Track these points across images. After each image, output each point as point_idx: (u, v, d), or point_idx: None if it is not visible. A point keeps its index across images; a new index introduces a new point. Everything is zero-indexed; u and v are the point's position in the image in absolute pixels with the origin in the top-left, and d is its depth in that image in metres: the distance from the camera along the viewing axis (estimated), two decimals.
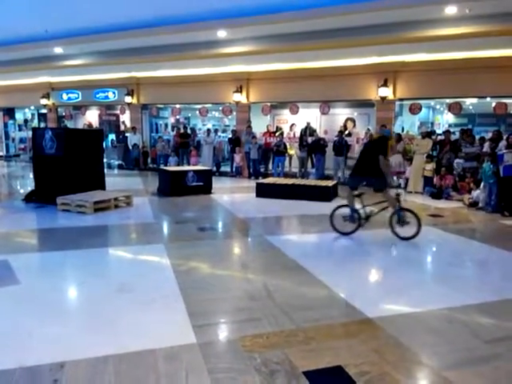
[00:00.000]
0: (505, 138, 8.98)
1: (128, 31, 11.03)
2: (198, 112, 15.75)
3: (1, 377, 2.52)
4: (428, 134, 11.19)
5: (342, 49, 10.34)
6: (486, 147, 9.44)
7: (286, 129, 14.35)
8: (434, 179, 10.29)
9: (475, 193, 8.83)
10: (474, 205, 8.65)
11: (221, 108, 15.27)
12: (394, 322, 3.33)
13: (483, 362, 2.80)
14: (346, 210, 6.27)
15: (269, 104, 13.90)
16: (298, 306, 3.61)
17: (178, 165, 14.11)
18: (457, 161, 10.03)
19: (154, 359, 2.72)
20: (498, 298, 3.88)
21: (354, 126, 13.74)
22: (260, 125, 14.21)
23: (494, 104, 11.16)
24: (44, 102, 17.70)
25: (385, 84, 11.60)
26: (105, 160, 11.37)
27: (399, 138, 11.47)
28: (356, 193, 6.25)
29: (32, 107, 19.95)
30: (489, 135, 10.24)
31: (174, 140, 15.29)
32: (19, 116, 20.85)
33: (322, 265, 4.81)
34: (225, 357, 2.83)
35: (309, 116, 13.85)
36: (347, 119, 13.89)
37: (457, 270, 4.87)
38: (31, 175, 8.94)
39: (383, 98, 11.76)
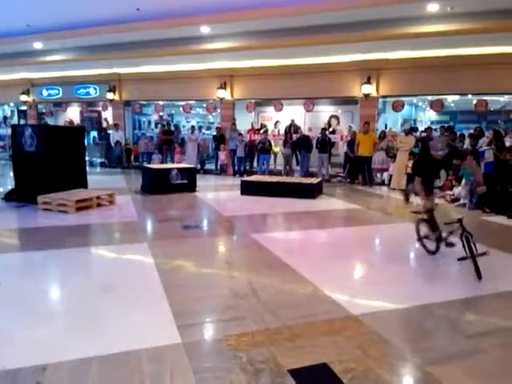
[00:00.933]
0: (486, 135, 9.15)
1: (110, 26, 10.84)
2: (181, 109, 15.63)
3: None
4: (411, 130, 11.33)
5: (326, 45, 10.35)
6: (467, 144, 9.60)
7: (270, 126, 14.35)
8: None
9: (457, 190, 8.98)
10: (455, 201, 8.79)
11: (205, 105, 15.17)
12: (377, 319, 3.35)
13: (466, 356, 2.84)
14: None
15: (253, 101, 13.88)
16: (283, 303, 3.62)
17: (162, 162, 14.00)
18: None
19: (138, 360, 2.69)
20: (480, 293, 3.96)
21: (338, 123, 13.82)
22: (244, 122, 14.19)
23: (474, 101, 11.34)
24: (24, 98, 17.31)
25: (368, 81, 11.69)
26: (87, 158, 11.19)
27: (383, 134, 11.59)
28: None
29: (11, 104, 19.52)
30: (470, 132, 10.41)
31: (158, 137, 15.15)
32: None
33: (306, 262, 4.82)
34: (210, 356, 2.81)
35: (293, 113, 13.88)
36: (331, 116, 13.97)
37: (439, 266, 4.94)
38: (11, 173, 8.76)
39: (367, 95, 11.85)
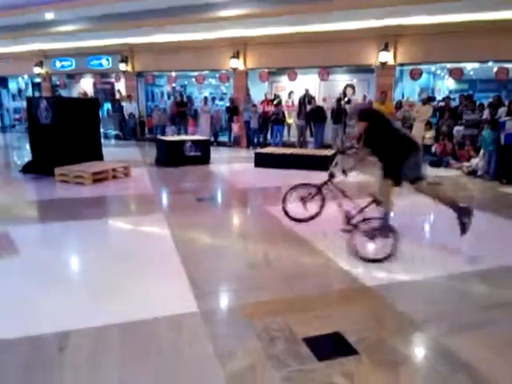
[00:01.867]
0: (506, 104, 8.88)
1: None
2: (194, 79, 15.46)
3: (7, 346, 2.57)
4: (428, 100, 11.05)
5: (342, 11, 10.03)
6: (486, 114, 9.35)
7: (284, 97, 14.13)
8: (434, 147, 10.24)
9: (474, 161, 8.82)
10: (472, 173, 8.65)
11: (217, 75, 14.98)
12: (392, 290, 3.38)
13: (479, 327, 2.86)
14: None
15: (266, 70, 13.64)
16: (297, 274, 3.66)
17: (176, 134, 13.99)
18: (456, 128, 9.96)
19: (156, 327, 2.78)
20: (495, 265, 3.94)
21: (354, 92, 13.52)
22: (258, 93, 13.99)
23: (495, 69, 10.96)
24: (37, 70, 17.32)
25: (385, 48, 11.34)
26: (101, 130, 11.25)
27: (400, 104, 11.34)
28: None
29: (25, 76, 19.53)
30: (489, 101, 10.11)
31: (171, 109, 15.09)
32: (13, 86, 20.45)
33: (320, 234, 4.84)
34: (226, 324, 2.89)
35: (308, 83, 13.61)
36: (346, 85, 13.65)
37: (454, 238, 4.91)
38: (28, 146, 8.87)
39: (383, 64, 11.53)
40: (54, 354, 2.49)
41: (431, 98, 11.79)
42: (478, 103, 10.41)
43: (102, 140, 9.62)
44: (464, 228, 4.35)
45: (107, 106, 17.55)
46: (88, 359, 2.45)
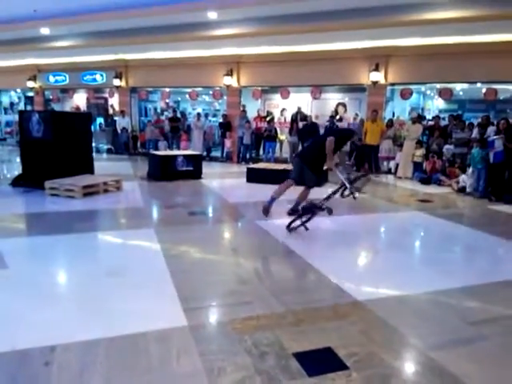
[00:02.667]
0: (495, 123, 9.06)
1: (116, 12, 10.79)
2: (187, 96, 15.57)
3: None
4: (418, 118, 11.24)
5: (334, 32, 10.22)
6: (475, 133, 9.51)
7: (276, 114, 14.28)
8: (424, 165, 10.37)
9: (461, 177, 8.94)
10: (462, 190, 8.75)
11: (211, 92, 15.12)
12: (381, 305, 3.38)
13: (468, 342, 2.87)
14: None
15: (259, 88, 13.80)
16: (288, 288, 3.65)
17: (168, 149, 14.02)
18: (446, 147, 10.11)
19: (145, 342, 2.74)
20: (484, 281, 3.96)
21: (345, 110, 13.71)
22: (251, 109, 14.12)
23: (484, 90, 11.20)
24: (31, 84, 17.32)
25: (376, 68, 11.56)
26: (93, 144, 11.23)
27: (390, 123, 11.50)
28: None
29: (18, 90, 19.55)
30: (478, 121, 10.30)
31: (156, 125, 15.27)
32: (5, 99, 20.43)
33: (311, 249, 4.85)
34: (216, 339, 2.86)
35: (300, 101, 13.77)
36: (338, 104, 13.84)
37: (444, 253, 4.95)
38: (18, 159, 8.82)
39: (375, 83, 11.73)
40: (39, 369, 2.44)
41: (421, 117, 11.98)
42: (467, 123, 10.60)
43: (94, 154, 9.61)
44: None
45: (100, 120, 17.58)
46: (74, 374, 2.40)
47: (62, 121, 8.42)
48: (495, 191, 8.03)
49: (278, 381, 2.36)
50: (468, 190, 8.60)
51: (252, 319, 3.07)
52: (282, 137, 13.60)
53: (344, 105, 13.80)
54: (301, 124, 12.74)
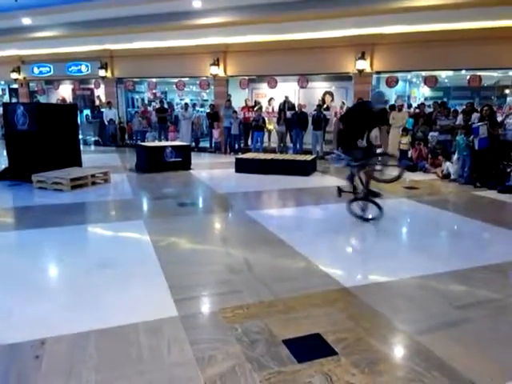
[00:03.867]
0: (479, 109, 9.16)
1: (100, 1, 10.62)
2: (174, 86, 15.45)
3: None
4: (399, 107, 11.34)
5: (320, 20, 10.22)
6: (460, 120, 9.61)
7: (264, 103, 14.24)
8: (410, 152, 10.45)
9: (446, 165, 9.05)
10: (447, 177, 8.87)
11: (198, 82, 15.01)
12: (369, 291, 3.44)
13: (454, 326, 2.93)
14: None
15: (247, 78, 13.73)
16: (277, 277, 3.69)
17: (156, 140, 13.93)
18: (431, 134, 10.19)
19: (135, 333, 2.76)
20: (469, 265, 4.04)
21: (332, 99, 13.73)
22: (238, 99, 14.05)
23: (468, 77, 11.29)
24: (14, 76, 17.00)
25: (362, 57, 11.58)
26: (80, 136, 11.12)
27: None
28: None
29: (2, 82, 19.18)
30: (463, 108, 10.40)
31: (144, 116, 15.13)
32: None
33: (300, 237, 4.89)
34: (206, 328, 2.89)
35: (287, 90, 13.74)
36: (325, 93, 13.85)
37: (430, 239, 5.03)
38: (4, 152, 8.71)
39: (361, 71, 11.76)
40: (30, 363, 2.45)
41: (402, 106, 12.00)
42: (452, 110, 10.70)
43: (82, 146, 9.53)
44: None
45: (86, 112, 17.36)
46: (65, 367, 2.42)
47: (47, 113, 8.31)
48: (480, 177, 8.15)
49: (268, 367, 2.41)
50: (453, 176, 8.72)
51: (242, 308, 3.11)
52: (270, 126, 13.59)
53: (331, 93, 13.81)
54: (289, 113, 12.74)
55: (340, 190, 5.65)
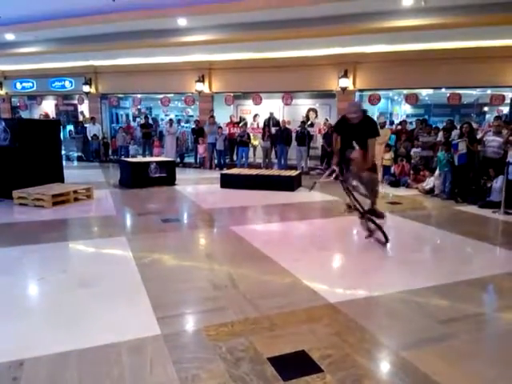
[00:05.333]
0: (458, 127, 9.38)
1: (84, 17, 10.61)
2: (159, 102, 15.47)
3: None
4: (385, 124, 11.56)
5: (303, 39, 10.40)
6: (440, 136, 9.82)
7: (249, 119, 14.34)
8: (393, 168, 10.61)
9: (429, 180, 9.22)
10: (429, 192, 9.01)
11: (183, 98, 15.07)
12: (354, 306, 3.44)
13: (438, 341, 2.94)
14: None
15: (232, 94, 13.84)
16: (262, 293, 3.67)
17: (142, 154, 13.88)
18: (414, 150, 10.38)
19: (117, 353, 2.70)
20: (452, 280, 4.08)
21: (316, 116, 13.92)
22: (223, 115, 14.14)
23: (448, 95, 11.59)
24: None
25: (345, 75, 11.82)
26: (63, 152, 11.01)
27: None
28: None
29: None
30: (443, 125, 10.66)
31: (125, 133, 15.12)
32: None
33: (285, 253, 4.88)
34: (190, 347, 2.84)
35: (272, 106, 13.90)
36: (309, 110, 14.05)
37: (413, 254, 5.08)
38: None
39: (344, 89, 11.97)
40: None
41: (385, 123, 12.22)
42: (433, 127, 10.95)
43: (64, 162, 9.42)
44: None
45: (70, 127, 17.22)
46: None
47: (29, 128, 8.21)
48: (461, 193, 8.30)
49: None
50: (436, 191, 8.86)
51: (226, 325, 3.07)
52: (255, 142, 13.67)
53: (315, 110, 14.02)
54: (273, 129, 12.85)
55: (349, 207, 5.41)
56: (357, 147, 4.89)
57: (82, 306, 3.40)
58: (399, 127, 11.87)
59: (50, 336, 2.92)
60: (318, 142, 13.29)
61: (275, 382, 2.42)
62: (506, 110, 12.58)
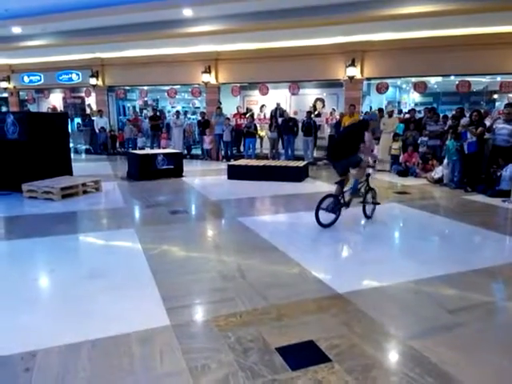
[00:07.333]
0: (468, 115, 9.25)
1: (91, 10, 10.60)
2: (166, 94, 15.46)
3: None
4: (392, 113, 11.44)
5: (310, 28, 10.30)
6: (449, 125, 9.69)
7: (256, 110, 14.29)
8: (401, 157, 10.53)
9: (438, 169, 9.14)
10: (438, 181, 8.93)
11: (190, 89, 15.04)
12: (362, 297, 3.44)
13: (447, 330, 2.94)
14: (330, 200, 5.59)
15: (238, 85, 13.78)
16: (270, 284, 3.68)
17: (146, 147, 13.92)
18: (421, 139, 10.28)
19: (127, 343, 2.73)
20: (461, 269, 4.06)
21: (323, 106, 13.82)
22: (230, 106, 14.10)
23: (457, 82, 11.43)
24: (4, 85, 16.95)
25: (352, 64, 11.68)
26: (71, 145, 11.06)
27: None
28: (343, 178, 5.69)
29: None
30: (452, 113, 10.51)
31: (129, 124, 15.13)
32: None
33: (293, 244, 4.89)
34: (199, 337, 2.87)
35: (279, 97, 13.81)
36: (316, 99, 13.94)
37: (422, 243, 5.06)
38: None
39: (351, 78, 11.86)
40: (20, 376, 2.41)
41: (392, 111, 12.09)
42: (442, 115, 10.81)
43: (72, 155, 9.48)
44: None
45: (77, 120, 17.30)
46: (56, 379, 2.38)
47: (37, 122, 8.26)
48: (470, 182, 8.22)
49: (261, 376, 2.39)
50: (444, 181, 8.79)
51: (235, 316, 3.10)
52: (262, 133, 13.63)
53: (322, 100, 13.91)
54: (280, 120, 12.79)
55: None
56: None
57: (93, 298, 3.44)
58: (407, 116, 11.75)
59: (62, 327, 2.96)
60: (325, 131, 13.21)
61: (284, 372, 2.43)
62: None
